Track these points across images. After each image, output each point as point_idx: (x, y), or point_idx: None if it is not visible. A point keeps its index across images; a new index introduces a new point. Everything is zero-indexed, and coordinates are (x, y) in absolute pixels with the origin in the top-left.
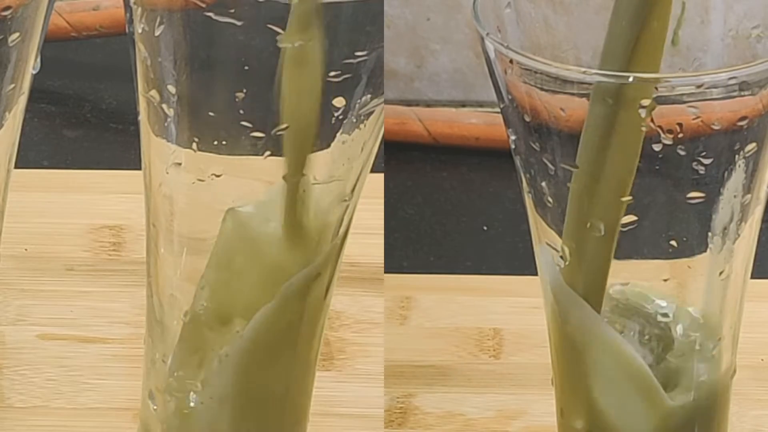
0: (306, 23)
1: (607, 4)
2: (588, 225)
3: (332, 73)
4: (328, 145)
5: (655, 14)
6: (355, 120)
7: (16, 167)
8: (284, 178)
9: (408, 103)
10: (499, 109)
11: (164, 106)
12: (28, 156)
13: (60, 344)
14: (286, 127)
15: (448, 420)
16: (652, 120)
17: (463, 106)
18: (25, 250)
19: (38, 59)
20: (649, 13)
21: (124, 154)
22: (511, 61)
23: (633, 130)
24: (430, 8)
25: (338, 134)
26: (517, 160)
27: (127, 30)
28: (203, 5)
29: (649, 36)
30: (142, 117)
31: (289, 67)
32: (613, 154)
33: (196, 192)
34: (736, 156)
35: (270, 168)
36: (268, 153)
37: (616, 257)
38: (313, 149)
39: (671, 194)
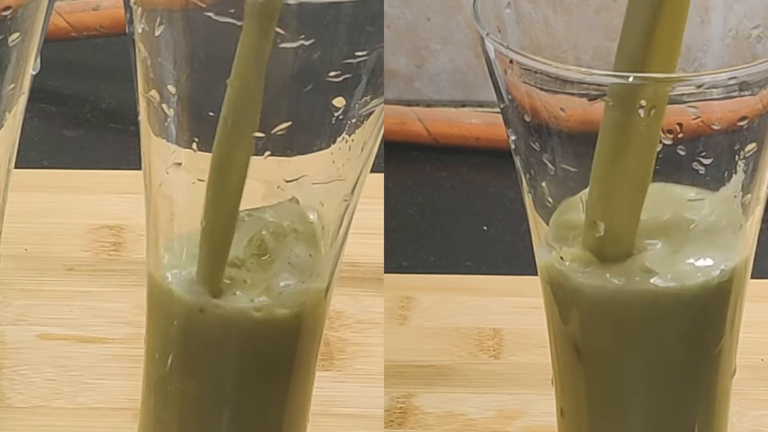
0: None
1: (607, 4)
2: (594, 226)
3: (332, 73)
4: (328, 145)
5: (670, 11)
6: (355, 120)
7: (16, 167)
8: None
9: (408, 103)
10: (499, 109)
11: (164, 106)
12: (28, 156)
13: (60, 344)
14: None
15: (448, 420)
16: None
17: (463, 106)
18: (25, 250)
19: (38, 59)
20: (664, 11)
21: (124, 154)
22: (511, 61)
23: (637, 131)
24: (430, 8)
25: (338, 134)
26: (517, 160)
27: (127, 30)
28: (203, 5)
29: (664, 35)
30: (142, 117)
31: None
32: (627, 158)
33: (196, 192)
34: (736, 156)
35: (270, 168)
36: (268, 153)
37: None
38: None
39: None
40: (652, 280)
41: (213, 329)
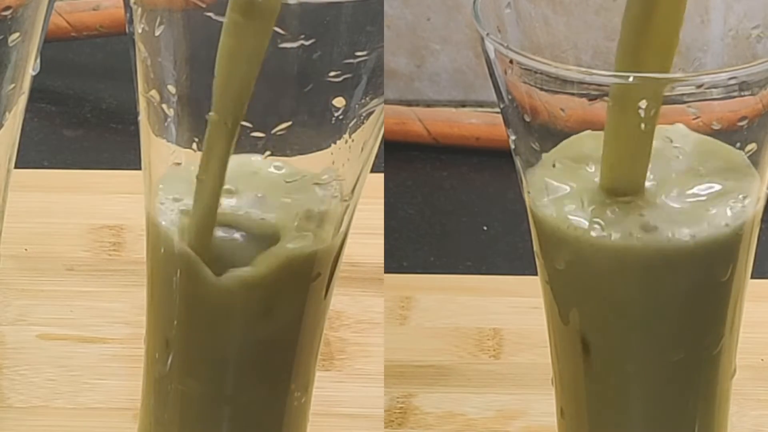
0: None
1: (607, 4)
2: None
3: (332, 73)
4: (328, 145)
5: (663, 12)
6: (355, 120)
7: (16, 167)
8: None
9: (408, 103)
10: (499, 109)
11: (164, 106)
12: (28, 156)
13: (60, 344)
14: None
15: (448, 420)
16: None
17: (463, 106)
18: (25, 250)
19: (38, 59)
20: (657, 11)
21: (124, 154)
22: (511, 61)
23: (636, 130)
24: (430, 8)
25: (338, 134)
26: (517, 160)
27: (127, 30)
28: (203, 5)
29: (659, 34)
30: (142, 117)
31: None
32: (627, 157)
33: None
34: None
35: (270, 168)
36: (268, 153)
37: None
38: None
39: None
40: (651, 243)
41: (212, 322)
